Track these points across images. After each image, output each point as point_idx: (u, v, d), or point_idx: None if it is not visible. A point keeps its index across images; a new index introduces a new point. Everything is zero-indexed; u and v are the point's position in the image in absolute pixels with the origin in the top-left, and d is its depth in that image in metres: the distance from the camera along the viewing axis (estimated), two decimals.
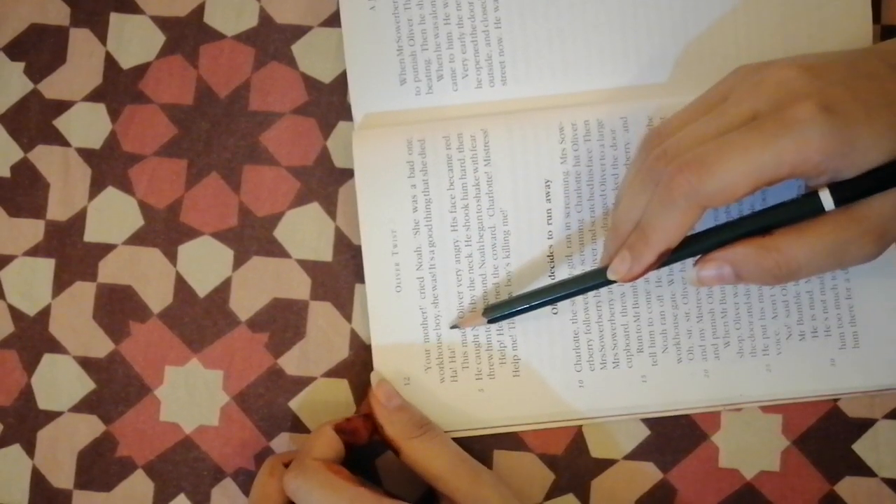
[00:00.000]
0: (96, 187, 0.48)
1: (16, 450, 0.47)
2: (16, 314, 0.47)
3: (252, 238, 0.47)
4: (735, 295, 0.45)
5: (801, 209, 0.38)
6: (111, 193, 0.48)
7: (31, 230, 0.48)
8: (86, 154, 0.48)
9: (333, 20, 0.47)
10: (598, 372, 0.45)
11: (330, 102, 0.47)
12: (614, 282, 0.41)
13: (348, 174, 0.47)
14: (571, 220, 0.46)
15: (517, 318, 0.44)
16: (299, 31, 0.48)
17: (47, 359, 0.47)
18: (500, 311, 0.44)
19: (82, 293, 0.47)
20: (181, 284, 0.47)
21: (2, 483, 0.47)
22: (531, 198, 0.45)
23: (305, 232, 0.47)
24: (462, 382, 0.45)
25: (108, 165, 0.48)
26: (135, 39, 0.48)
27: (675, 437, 0.46)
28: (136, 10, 0.48)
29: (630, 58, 0.46)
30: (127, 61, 0.48)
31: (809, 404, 0.46)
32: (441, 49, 0.46)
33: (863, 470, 0.45)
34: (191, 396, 0.47)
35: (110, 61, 0.48)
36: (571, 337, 0.45)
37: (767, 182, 0.37)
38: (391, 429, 0.43)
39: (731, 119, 0.38)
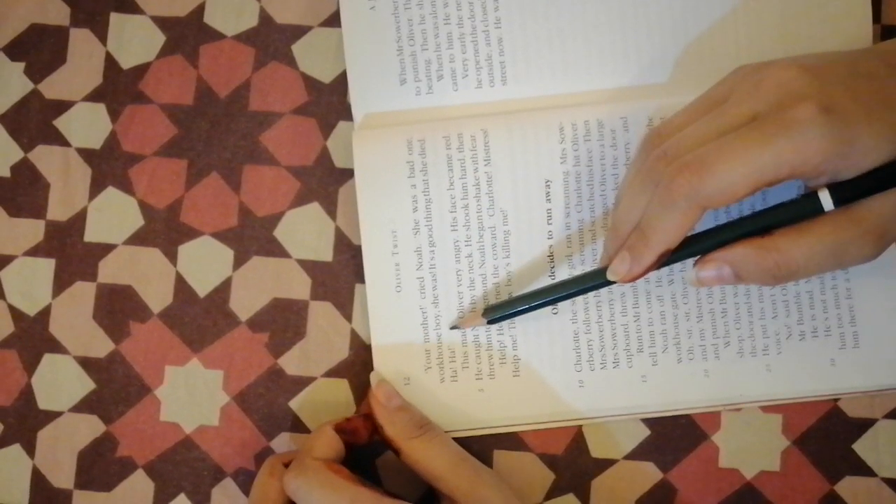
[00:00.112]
0: (96, 187, 0.48)
1: (16, 450, 0.47)
2: (16, 314, 0.47)
3: (252, 238, 0.47)
4: (735, 295, 0.45)
5: (801, 209, 0.38)
6: (111, 193, 0.48)
7: (32, 230, 0.48)
8: (86, 154, 0.48)
9: (333, 20, 0.47)
10: (598, 372, 0.45)
11: (330, 102, 0.47)
12: (614, 282, 0.41)
13: (348, 174, 0.47)
14: (571, 220, 0.46)
15: (517, 318, 0.44)
16: (299, 31, 0.48)
17: (47, 359, 0.47)
18: (499, 311, 0.44)
19: (82, 293, 0.47)
20: (181, 284, 0.47)
21: (2, 483, 0.47)
22: (531, 198, 0.45)
23: (305, 232, 0.47)
24: (462, 382, 0.45)
25: (108, 165, 0.48)
26: (135, 39, 0.48)
27: (675, 436, 0.46)
28: (136, 10, 0.48)
29: (630, 58, 0.46)
30: (127, 61, 0.48)
31: (809, 404, 0.46)
32: (441, 49, 0.46)
33: (863, 470, 0.45)
34: (191, 396, 0.47)
35: (110, 61, 0.48)
36: (571, 337, 0.45)
37: (767, 183, 0.37)
38: (391, 429, 0.43)
39: (731, 119, 0.38)
